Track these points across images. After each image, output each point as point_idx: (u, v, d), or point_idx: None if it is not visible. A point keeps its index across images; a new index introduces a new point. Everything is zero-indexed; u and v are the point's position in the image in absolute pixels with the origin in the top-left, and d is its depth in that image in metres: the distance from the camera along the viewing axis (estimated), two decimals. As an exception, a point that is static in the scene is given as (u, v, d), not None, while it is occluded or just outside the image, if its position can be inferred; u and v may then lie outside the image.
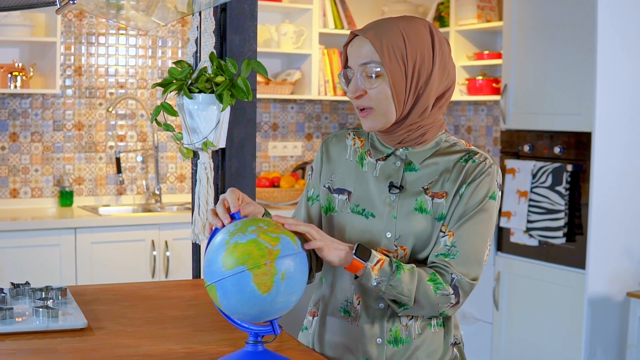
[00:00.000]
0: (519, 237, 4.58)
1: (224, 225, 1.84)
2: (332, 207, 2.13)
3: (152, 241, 4.86)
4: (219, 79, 2.56)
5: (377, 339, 2.05)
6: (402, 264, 1.95)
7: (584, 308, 4.20)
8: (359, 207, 2.07)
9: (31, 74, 4.97)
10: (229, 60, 2.59)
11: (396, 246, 2.02)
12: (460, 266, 1.97)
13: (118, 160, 5.30)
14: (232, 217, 1.86)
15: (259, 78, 5.68)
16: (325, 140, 2.22)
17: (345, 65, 2.05)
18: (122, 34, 5.38)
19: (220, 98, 2.56)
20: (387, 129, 2.03)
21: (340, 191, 2.12)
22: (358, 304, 2.07)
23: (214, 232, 1.85)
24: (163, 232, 4.89)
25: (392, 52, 1.94)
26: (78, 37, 5.24)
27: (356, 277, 1.96)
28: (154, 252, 4.86)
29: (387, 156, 2.08)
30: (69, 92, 5.24)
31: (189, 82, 2.60)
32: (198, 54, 2.69)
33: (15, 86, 4.89)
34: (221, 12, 2.78)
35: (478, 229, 2.00)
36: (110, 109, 5.25)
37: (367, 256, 1.92)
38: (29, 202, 5.17)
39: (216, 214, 1.88)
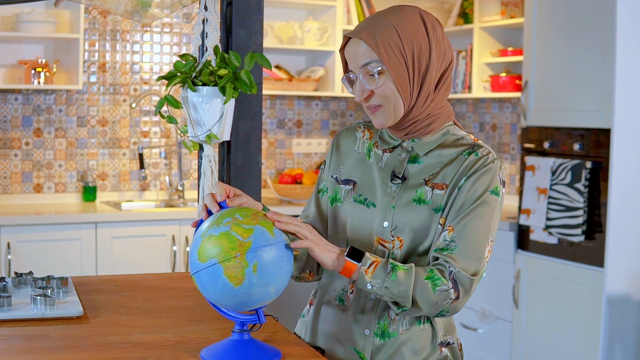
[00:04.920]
0: (538, 234, 4.54)
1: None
2: (338, 197, 2.14)
3: (173, 236, 4.89)
4: (222, 71, 2.57)
5: (365, 330, 2.05)
6: (399, 264, 1.93)
7: (602, 306, 4.16)
8: (362, 196, 2.09)
9: (54, 70, 5.02)
10: (232, 53, 2.60)
11: (393, 236, 2.02)
12: (460, 261, 1.94)
13: (141, 156, 5.33)
14: (221, 207, 1.88)
15: (283, 75, 5.70)
16: (337, 133, 2.25)
17: (346, 70, 2.06)
18: (146, 30, 5.42)
19: (223, 91, 2.57)
20: (395, 123, 2.03)
21: (347, 182, 2.13)
22: (351, 293, 2.08)
23: (199, 224, 1.87)
24: (184, 228, 4.92)
25: (389, 48, 1.94)
26: (102, 33, 5.29)
27: (354, 281, 1.96)
28: (174, 248, 4.89)
29: (394, 148, 2.10)
30: (94, 88, 5.29)
31: (193, 75, 2.62)
32: (203, 48, 2.70)
33: (39, 82, 4.94)
34: (227, 6, 2.78)
35: (478, 223, 1.96)
36: (133, 106, 5.30)
37: (359, 259, 1.92)
38: (53, 197, 5.23)
39: (206, 207, 1.90)
